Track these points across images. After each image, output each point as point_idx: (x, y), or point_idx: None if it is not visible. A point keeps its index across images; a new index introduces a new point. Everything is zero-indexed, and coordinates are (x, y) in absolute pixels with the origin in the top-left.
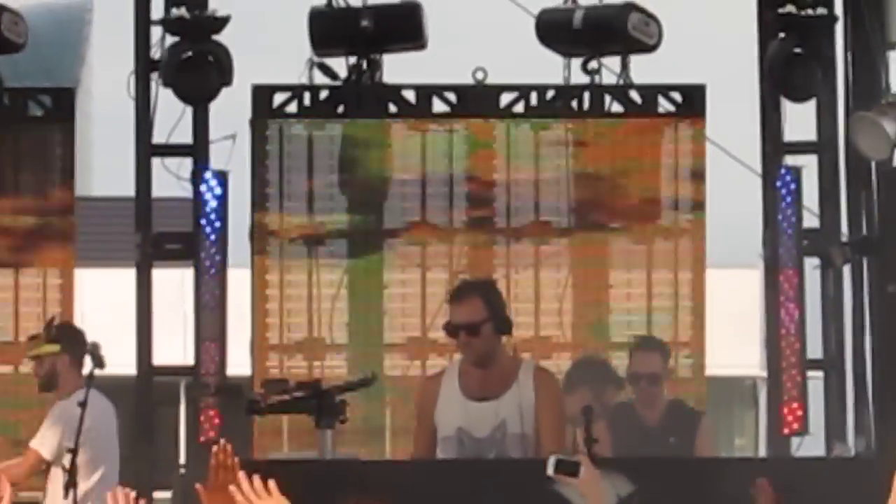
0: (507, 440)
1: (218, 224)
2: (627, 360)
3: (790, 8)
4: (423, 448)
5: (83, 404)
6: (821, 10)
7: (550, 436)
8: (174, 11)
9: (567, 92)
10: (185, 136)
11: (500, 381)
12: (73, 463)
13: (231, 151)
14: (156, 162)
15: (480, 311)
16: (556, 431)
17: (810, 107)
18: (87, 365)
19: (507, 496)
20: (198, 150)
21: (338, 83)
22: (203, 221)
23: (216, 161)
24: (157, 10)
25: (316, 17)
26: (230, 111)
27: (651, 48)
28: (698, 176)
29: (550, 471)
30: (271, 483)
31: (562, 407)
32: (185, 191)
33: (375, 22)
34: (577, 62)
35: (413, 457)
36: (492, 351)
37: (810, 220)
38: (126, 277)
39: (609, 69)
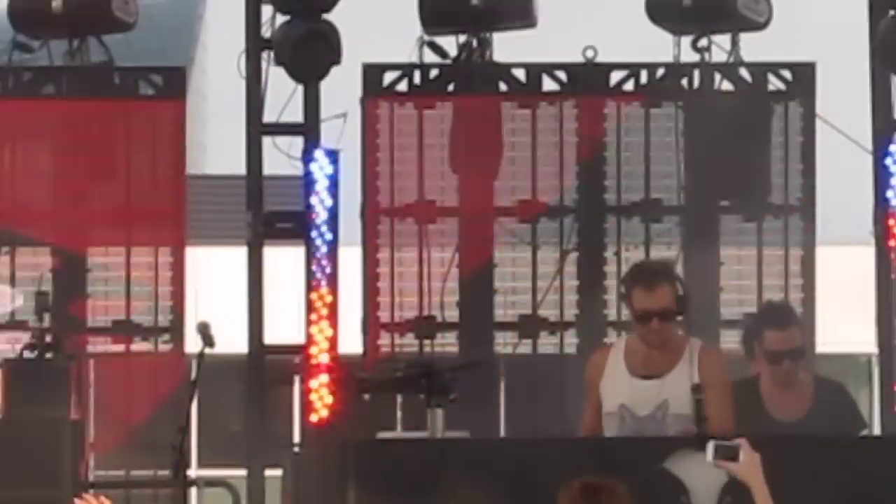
0: (668, 419)
1: (329, 202)
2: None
3: None
4: (591, 420)
5: (194, 383)
6: None
7: (716, 418)
8: None
9: (677, 70)
10: (296, 115)
11: (666, 360)
12: (182, 442)
13: (342, 130)
14: (267, 141)
15: (671, 297)
16: (722, 413)
17: None
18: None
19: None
20: (309, 128)
21: (448, 62)
22: (314, 200)
23: (327, 139)
24: None
25: None
26: (341, 90)
27: (761, 26)
28: (808, 153)
29: (709, 457)
30: None
31: (728, 388)
32: (297, 169)
33: (485, 0)
34: (687, 40)
35: (583, 429)
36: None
37: None
38: (239, 256)
39: (719, 47)
